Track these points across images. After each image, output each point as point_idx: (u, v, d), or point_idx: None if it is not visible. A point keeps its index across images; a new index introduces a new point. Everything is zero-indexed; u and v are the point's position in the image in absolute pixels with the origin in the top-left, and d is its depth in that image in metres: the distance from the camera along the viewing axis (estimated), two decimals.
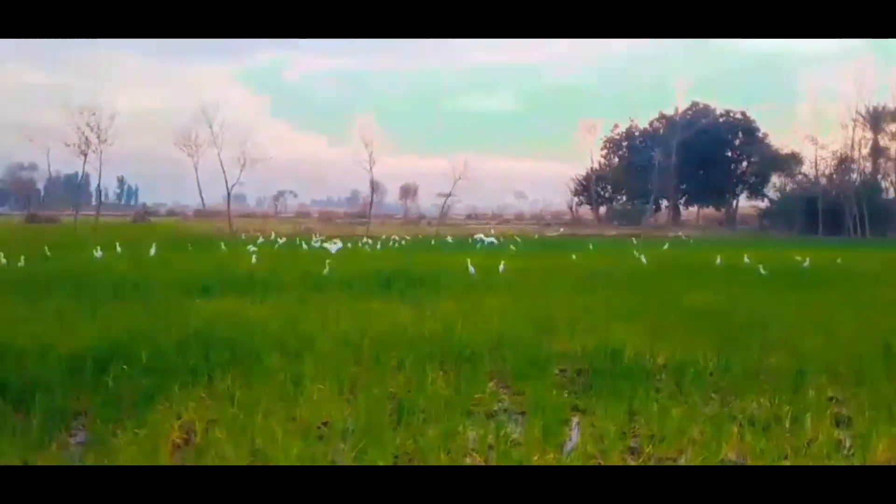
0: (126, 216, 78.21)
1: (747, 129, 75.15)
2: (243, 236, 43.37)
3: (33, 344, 8.10)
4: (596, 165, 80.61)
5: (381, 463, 4.88)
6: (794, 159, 67.82)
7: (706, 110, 75.52)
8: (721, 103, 77.95)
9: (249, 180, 66.61)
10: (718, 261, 23.44)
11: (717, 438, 5.42)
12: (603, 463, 5.08)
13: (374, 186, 65.68)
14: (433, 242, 38.95)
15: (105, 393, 6.50)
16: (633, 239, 43.90)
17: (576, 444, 5.44)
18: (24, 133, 64.18)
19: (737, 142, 75.54)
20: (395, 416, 5.95)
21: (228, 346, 8.14)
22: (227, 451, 5.02)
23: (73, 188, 78.82)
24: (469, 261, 18.96)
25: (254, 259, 21.59)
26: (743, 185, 76.12)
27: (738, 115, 75.84)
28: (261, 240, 36.77)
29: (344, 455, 5.12)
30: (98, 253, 22.68)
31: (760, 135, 74.53)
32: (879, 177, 65.45)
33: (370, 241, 36.99)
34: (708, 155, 71.82)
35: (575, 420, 6.11)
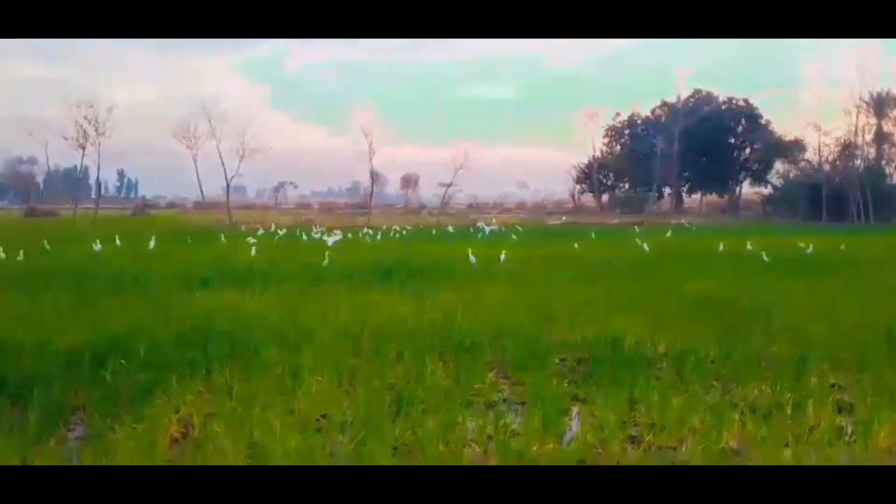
0: (125, 209, 78.17)
1: (750, 116, 74.71)
2: (243, 228, 43.34)
3: (31, 338, 8.08)
4: (598, 153, 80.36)
5: (380, 454, 4.85)
6: (798, 146, 67.40)
7: (709, 98, 75.06)
8: (724, 90, 77.79)
9: (249, 172, 66.81)
10: (721, 248, 23.38)
11: (717, 427, 5.38)
12: (603, 452, 5.05)
13: (375, 177, 65.53)
14: (434, 232, 38.83)
15: (103, 387, 6.48)
16: (636, 227, 43.73)
17: (576, 434, 5.41)
18: (23, 127, 64.47)
19: (739, 129, 75.11)
20: (395, 408, 5.93)
21: (227, 339, 8.11)
22: (226, 445, 4.99)
23: (73, 182, 78.80)
24: (470, 250, 18.91)
25: (253, 251, 21.53)
26: (746, 173, 75.73)
27: (741, 103, 75.38)
28: (261, 231, 36.75)
29: (342, 447, 5.10)
30: (97, 246, 22.65)
31: (763, 122, 74.08)
32: (883, 163, 65.02)
33: (371, 231, 36.94)
34: (711, 142, 71.47)
35: (575, 410, 6.07)
